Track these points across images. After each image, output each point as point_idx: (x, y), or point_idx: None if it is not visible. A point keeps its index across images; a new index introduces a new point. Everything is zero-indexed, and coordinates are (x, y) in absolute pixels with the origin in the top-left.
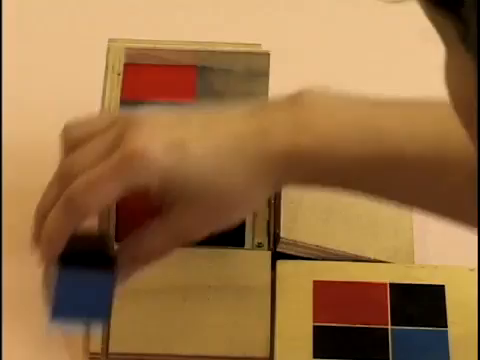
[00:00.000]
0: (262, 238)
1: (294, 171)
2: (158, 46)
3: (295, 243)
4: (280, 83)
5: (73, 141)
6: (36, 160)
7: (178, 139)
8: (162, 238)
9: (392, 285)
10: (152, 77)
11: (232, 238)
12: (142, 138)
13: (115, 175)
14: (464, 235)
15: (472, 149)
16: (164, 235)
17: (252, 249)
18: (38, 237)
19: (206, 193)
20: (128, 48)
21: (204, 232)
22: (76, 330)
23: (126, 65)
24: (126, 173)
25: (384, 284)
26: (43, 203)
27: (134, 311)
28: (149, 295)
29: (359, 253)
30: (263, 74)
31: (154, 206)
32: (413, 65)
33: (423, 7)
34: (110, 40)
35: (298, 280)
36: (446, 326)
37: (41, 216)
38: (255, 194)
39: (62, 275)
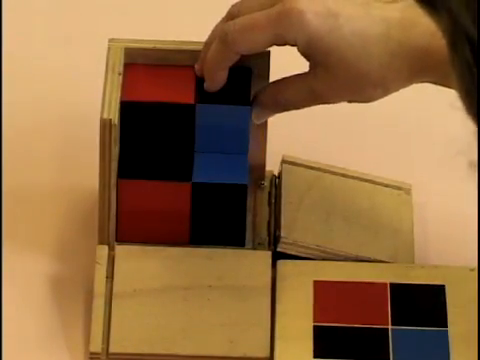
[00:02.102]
0: (262, 238)
1: (430, 69)
2: (158, 46)
3: (295, 243)
4: None
5: None
6: (36, 160)
7: (334, 12)
8: (301, 93)
9: (392, 285)
10: (152, 77)
11: (232, 238)
12: (299, 3)
13: (269, 24)
14: (464, 235)
15: None
16: (303, 91)
17: (252, 249)
18: (201, 67)
19: (346, 68)
20: (128, 48)
21: (338, 100)
22: None
23: (126, 65)
24: (280, 25)
25: (384, 284)
26: (209, 38)
27: (134, 311)
28: (149, 295)
29: (359, 253)
30: (263, 74)
31: (156, 205)
32: None
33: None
34: (110, 40)
35: (298, 280)
36: (446, 326)
37: (206, 48)
38: (391, 80)
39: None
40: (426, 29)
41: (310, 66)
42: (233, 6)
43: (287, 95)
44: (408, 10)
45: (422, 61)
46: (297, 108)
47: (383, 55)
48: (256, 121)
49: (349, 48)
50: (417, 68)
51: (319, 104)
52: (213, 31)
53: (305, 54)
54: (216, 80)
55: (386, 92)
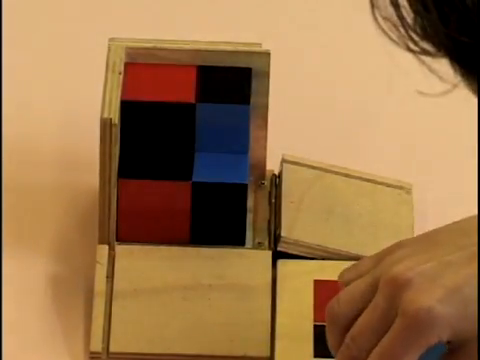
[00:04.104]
0: (262, 237)
1: None
2: (158, 45)
3: (296, 242)
4: (280, 83)
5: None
6: (36, 160)
7: (452, 285)
8: None
9: None
10: (152, 76)
11: (233, 237)
12: (419, 298)
13: (407, 346)
14: None
15: None
16: None
17: (253, 248)
18: None
19: None
20: (129, 47)
21: None
22: None
23: (127, 64)
24: (417, 340)
25: None
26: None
27: (134, 311)
28: (149, 295)
29: (359, 253)
30: (263, 74)
31: (156, 205)
32: (414, 65)
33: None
34: (110, 40)
35: (299, 279)
36: None
37: None
38: None
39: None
40: None
41: (454, 348)
42: (336, 315)
43: None
44: None
45: None
46: None
47: None
48: None
49: None
50: None
51: None
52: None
53: (449, 340)
54: None
55: None
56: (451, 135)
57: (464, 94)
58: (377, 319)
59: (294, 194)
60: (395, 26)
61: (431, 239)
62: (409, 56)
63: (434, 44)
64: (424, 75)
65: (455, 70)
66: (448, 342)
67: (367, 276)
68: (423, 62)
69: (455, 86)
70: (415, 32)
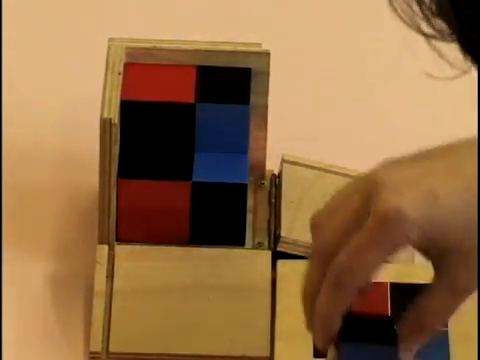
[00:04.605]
0: (262, 237)
1: None
2: (158, 45)
3: (295, 242)
4: (280, 83)
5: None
6: (36, 160)
7: (428, 191)
8: (442, 298)
9: (392, 285)
10: (152, 77)
11: (232, 237)
12: (391, 198)
13: (375, 244)
14: None
15: None
16: (443, 294)
17: (252, 248)
18: (311, 321)
19: (470, 242)
20: (128, 47)
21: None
22: None
23: (126, 64)
24: (385, 239)
25: (384, 284)
26: (309, 285)
27: (134, 310)
28: (149, 295)
29: None
30: (263, 74)
31: (156, 205)
32: (414, 65)
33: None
34: (110, 40)
35: (298, 280)
36: (446, 326)
37: (309, 299)
38: None
39: (344, 353)
40: None
41: (436, 263)
42: (318, 245)
43: (429, 310)
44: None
45: None
46: (445, 321)
47: None
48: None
49: (459, 220)
50: None
51: (464, 300)
52: (309, 275)
53: (425, 249)
54: (333, 328)
55: None
56: (451, 135)
57: (464, 94)
58: (348, 220)
59: (294, 194)
60: (408, 4)
61: (420, 154)
62: (410, 57)
63: (447, 23)
64: (426, 76)
65: (465, 55)
66: (427, 254)
67: (352, 184)
68: (434, 47)
69: (464, 72)
70: (429, 10)
